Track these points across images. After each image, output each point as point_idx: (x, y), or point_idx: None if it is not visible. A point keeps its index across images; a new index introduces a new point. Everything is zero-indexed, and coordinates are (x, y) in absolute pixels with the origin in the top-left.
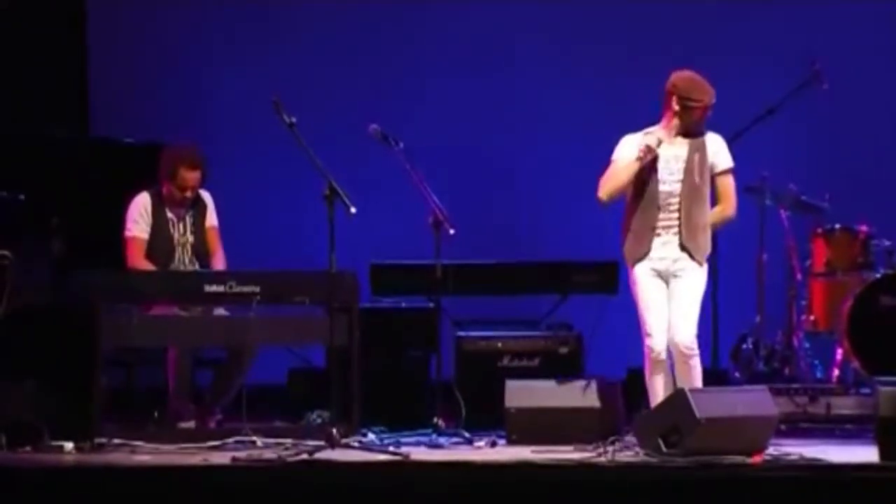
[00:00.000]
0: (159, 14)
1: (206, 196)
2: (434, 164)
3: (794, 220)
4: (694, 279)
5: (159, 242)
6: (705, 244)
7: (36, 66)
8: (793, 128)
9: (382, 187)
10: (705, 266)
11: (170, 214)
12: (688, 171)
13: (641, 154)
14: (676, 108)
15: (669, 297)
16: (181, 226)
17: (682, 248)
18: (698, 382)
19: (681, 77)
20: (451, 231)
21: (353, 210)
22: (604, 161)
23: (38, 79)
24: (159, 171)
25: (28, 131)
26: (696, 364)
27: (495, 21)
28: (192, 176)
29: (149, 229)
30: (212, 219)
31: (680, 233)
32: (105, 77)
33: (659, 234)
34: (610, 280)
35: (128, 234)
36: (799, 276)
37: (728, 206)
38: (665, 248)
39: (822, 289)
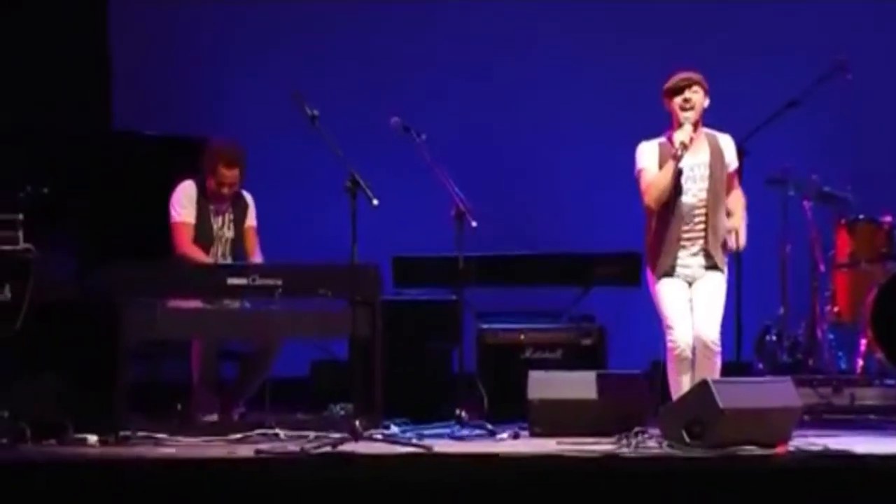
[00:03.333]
0: (181, 7)
1: (248, 196)
2: (456, 156)
3: (817, 211)
4: (716, 280)
5: (200, 232)
6: (721, 249)
7: (59, 59)
8: (816, 118)
9: (404, 179)
10: (725, 272)
11: (211, 206)
12: (712, 178)
13: (679, 151)
14: (668, 110)
15: (693, 297)
16: (220, 219)
17: (707, 256)
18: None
19: None
20: (474, 223)
21: (375, 202)
22: (626, 151)
23: (61, 72)
24: (202, 164)
25: (51, 124)
26: (719, 361)
27: (517, 15)
28: (230, 173)
29: (195, 215)
30: (251, 219)
31: (706, 242)
32: (128, 70)
33: (685, 247)
34: (632, 271)
35: (176, 219)
36: (822, 267)
37: (741, 193)
38: (692, 258)
39: (846, 279)
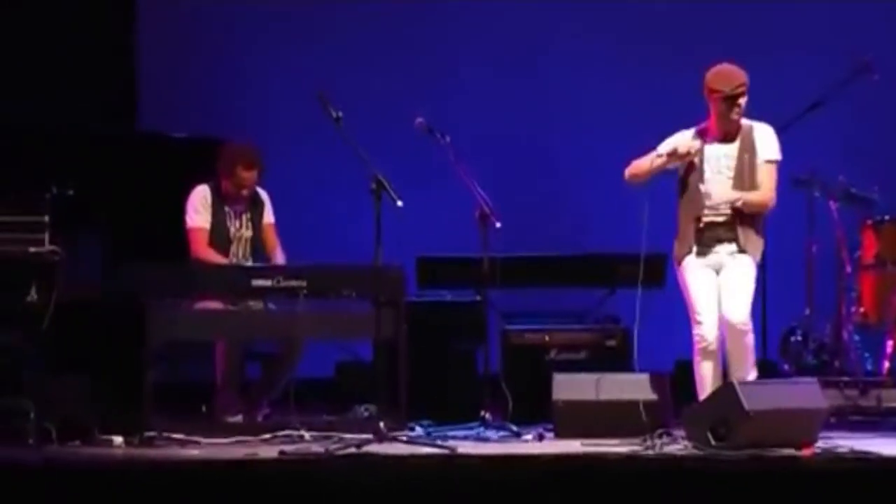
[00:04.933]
0: (207, 8)
1: (263, 194)
2: (480, 156)
3: (843, 212)
4: (744, 264)
5: (216, 235)
6: (757, 240)
7: (85, 60)
8: (842, 119)
9: (428, 181)
10: (753, 260)
11: (227, 208)
12: (738, 170)
13: (665, 152)
14: (708, 101)
15: (721, 283)
16: (238, 221)
17: (736, 243)
18: (752, 358)
19: (711, 70)
20: (498, 224)
21: (399, 203)
22: (650, 153)
23: (87, 73)
24: (217, 167)
25: (77, 125)
26: (750, 341)
27: (543, 15)
28: (248, 175)
29: (210, 220)
30: (269, 216)
31: (734, 229)
32: (153, 71)
33: (706, 228)
34: (657, 273)
35: (190, 224)
36: (848, 269)
37: (763, 192)
38: (719, 245)
39: (872, 281)
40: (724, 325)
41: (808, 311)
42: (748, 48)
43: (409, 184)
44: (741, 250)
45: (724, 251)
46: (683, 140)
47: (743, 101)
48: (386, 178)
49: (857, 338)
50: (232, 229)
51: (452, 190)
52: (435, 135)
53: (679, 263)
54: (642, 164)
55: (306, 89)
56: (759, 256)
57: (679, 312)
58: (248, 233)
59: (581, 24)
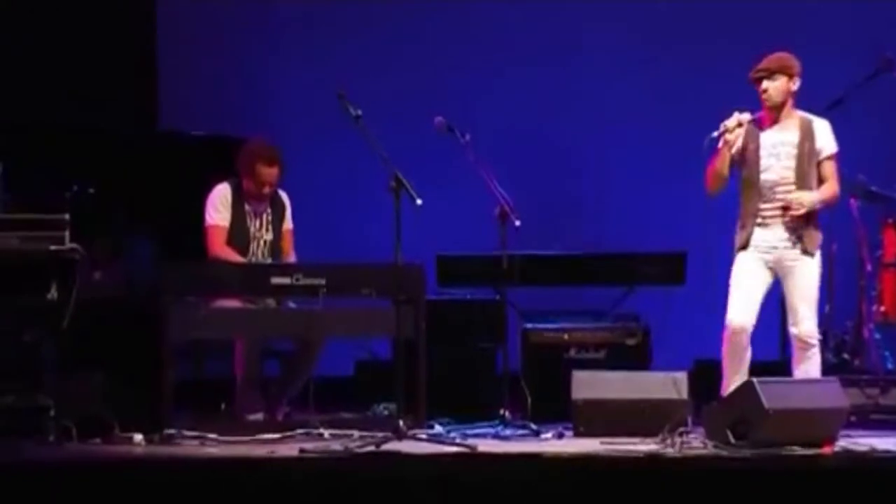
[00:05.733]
0: (227, 8)
1: (284, 197)
2: (499, 155)
3: (863, 210)
4: (808, 270)
5: (236, 234)
6: (816, 232)
7: (106, 59)
8: (862, 117)
9: (448, 179)
10: (818, 256)
11: (248, 207)
12: (799, 158)
13: (717, 134)
14: None
15: (785, 290)
16: (258, 221)
17: (795, 235)
18: (817, 372)
19: None
20: (517, 222)
21: (419, 201)
22: (670, 151)
23: (107, 72)
24: (237, 165)
25: (97, 125)
26: (816, 353)
27: (562, 13)
28: (269, 172)
29: (229, 218)
30: (288, 221)
31: (791, 220)
32: (173, 70)
33: (766, 224)
34: (677, 271)
35: (209, 222)
36: (869, 267)
37: (834, 186)
38: (773, 236)
39: (893, 279)
40: (792, 336)
41: (828, 310)
42: (772, 47)
43: (429, 182)
44: (804, 250)
45: (780, 244)
46: (731, 119)
47: (769, 84)
48: (405, 177)
49: (877, 336)
50: (252, 229)
51: (472, 188)
52: (454, 133)
53: (736, 253)
54: (712, 161)
55: (326, 88)
56: (818, 249)
57: (698, 310)
58: (268, 235)
59: (602, 22)
